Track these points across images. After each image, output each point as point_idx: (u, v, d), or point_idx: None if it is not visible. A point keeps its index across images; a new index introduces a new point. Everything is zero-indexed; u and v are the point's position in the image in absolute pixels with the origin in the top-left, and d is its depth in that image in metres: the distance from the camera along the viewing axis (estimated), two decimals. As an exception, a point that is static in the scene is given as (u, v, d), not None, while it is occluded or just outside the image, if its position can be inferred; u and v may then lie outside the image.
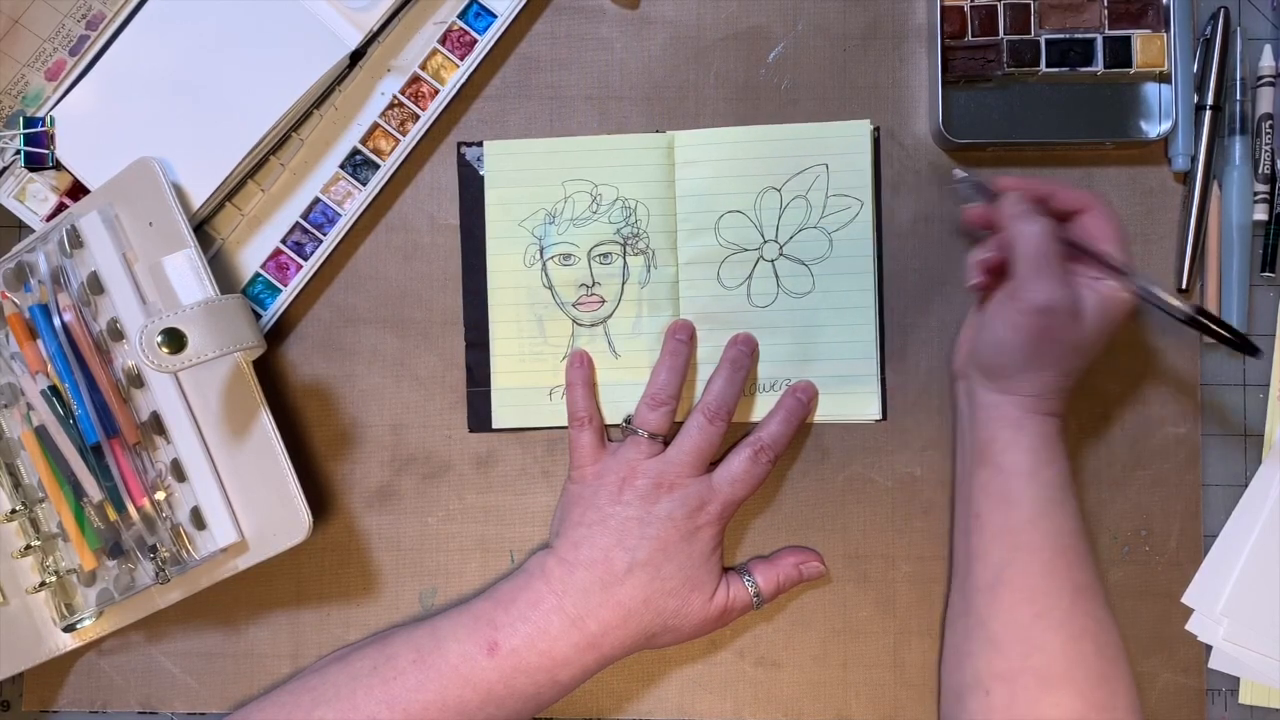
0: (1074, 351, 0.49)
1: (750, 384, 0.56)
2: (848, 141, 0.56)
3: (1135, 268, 0.49)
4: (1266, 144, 0.55)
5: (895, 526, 0.56)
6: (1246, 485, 0.55)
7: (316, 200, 0.56)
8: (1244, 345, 0.49)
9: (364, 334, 0.57)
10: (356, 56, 0.55)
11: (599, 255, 0.56)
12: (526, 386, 0.56)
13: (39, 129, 0.54)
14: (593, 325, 0.56)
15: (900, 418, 0.56)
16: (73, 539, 0.52)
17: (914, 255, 0.56)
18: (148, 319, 0.49)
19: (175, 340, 0.47)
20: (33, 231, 0.56)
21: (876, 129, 0.56)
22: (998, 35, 0.54)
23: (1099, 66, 0.54)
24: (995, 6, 0.54)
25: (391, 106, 0.56)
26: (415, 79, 0.56)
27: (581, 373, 0.55)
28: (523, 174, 0.56)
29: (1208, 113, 0.55)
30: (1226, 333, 0.49)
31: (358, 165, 0.56)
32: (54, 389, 0.52)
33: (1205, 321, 0.49)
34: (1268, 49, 0.55)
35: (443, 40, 0.56)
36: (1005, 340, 0.49)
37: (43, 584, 0.53)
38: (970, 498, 0.51)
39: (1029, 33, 0.54)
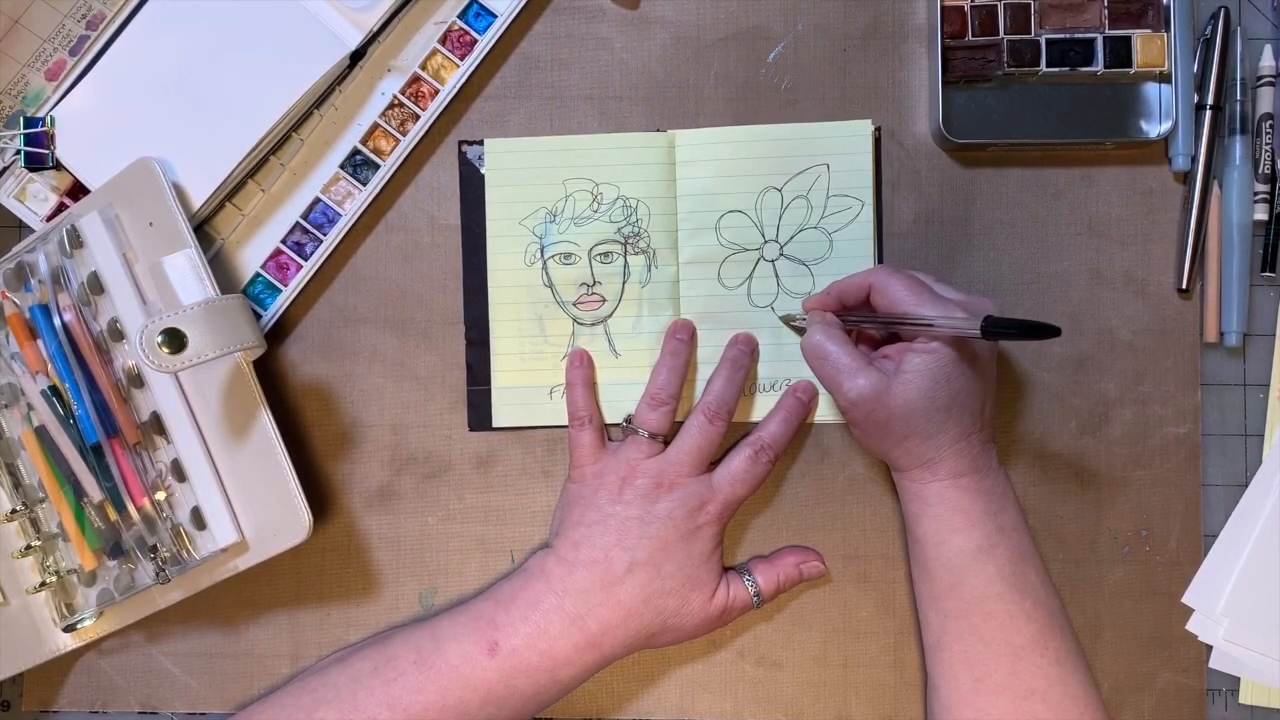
0: (923, 417, 0.48)
1: (750, 384, 0.56)
2: (848, 141, 0.56)
3: (919, 311, 0.48)
4: (1266, 144, 0.55)
5: (895, 526, 0.56)
6: (1246, 485, 0.55)
7: (317, 200, 0.56)
8: (1043, 330, 0.44)
9: (364, 334, 0.57)
10: (356, 56, 0.55)
11: (600, 254, 0.56)
12: (527, 385, 0.56)
13: (39, 129, 0.54)
14: (593, 324, 0.56)
15: (900, 418, 0.56)
16: (73, 539, 0.52)
17: (914, 255, 0.56)
18: (148, 319, 0.49)
19: (175, 340, 0.47)
20: (33, 231, 0.56)
21: (877, 129, 0.56)
22: (998, 35, 0.54)
23: (1099, 66, 0.54)
24: (995, 6, 0.54)
25: (391, 106, 0.56)
26: (415, 79, 0.56)
27: (581, 372, 0.55)
28: (524, 172, 0.56)
29: (1208, 113, 0.55)
30: (1020, 328, 0.44)
31: (358, 165, 0.56)
32: (54, 389, 0.52)
33: (996, 329, 0.45)
34: (1268, 49, 0.55)
35: (443, 40, 0.56)
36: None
37: (43, 584, 0.53)
38: (911, 564, 0.53)
39: (1029, 33, 0.54)
